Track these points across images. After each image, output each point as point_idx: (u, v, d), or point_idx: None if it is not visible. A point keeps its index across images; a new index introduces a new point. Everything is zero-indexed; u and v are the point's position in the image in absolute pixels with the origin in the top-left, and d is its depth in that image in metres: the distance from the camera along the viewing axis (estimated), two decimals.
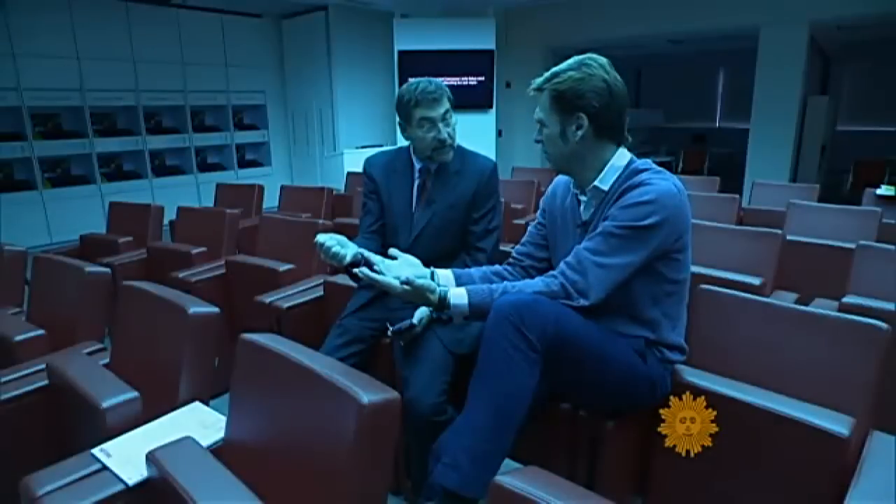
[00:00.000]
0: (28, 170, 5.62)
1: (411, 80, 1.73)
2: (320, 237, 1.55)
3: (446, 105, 1.71)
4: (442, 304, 1.31)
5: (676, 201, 1.26)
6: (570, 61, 1.32)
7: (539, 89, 1.34)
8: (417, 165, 1.81)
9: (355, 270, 1.40)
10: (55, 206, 5.72)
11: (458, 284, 1.42)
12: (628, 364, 1.28)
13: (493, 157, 1.90)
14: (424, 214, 1.78)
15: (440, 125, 1.70)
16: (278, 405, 1.13)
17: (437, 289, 1.32)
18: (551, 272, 1.34)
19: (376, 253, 1.68)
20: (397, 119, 1.78)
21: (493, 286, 1.33)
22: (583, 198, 1.40)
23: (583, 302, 1.25)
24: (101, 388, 1.32)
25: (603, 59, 1.32)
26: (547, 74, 1.33)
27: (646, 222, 1.23)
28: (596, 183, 1.35)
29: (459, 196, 1.77)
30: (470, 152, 1.83)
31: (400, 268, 1.46)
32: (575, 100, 1.28)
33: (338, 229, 1.64)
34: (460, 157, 1.80)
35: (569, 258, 1.30)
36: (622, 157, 1.36)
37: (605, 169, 1.34)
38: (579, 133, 1.31)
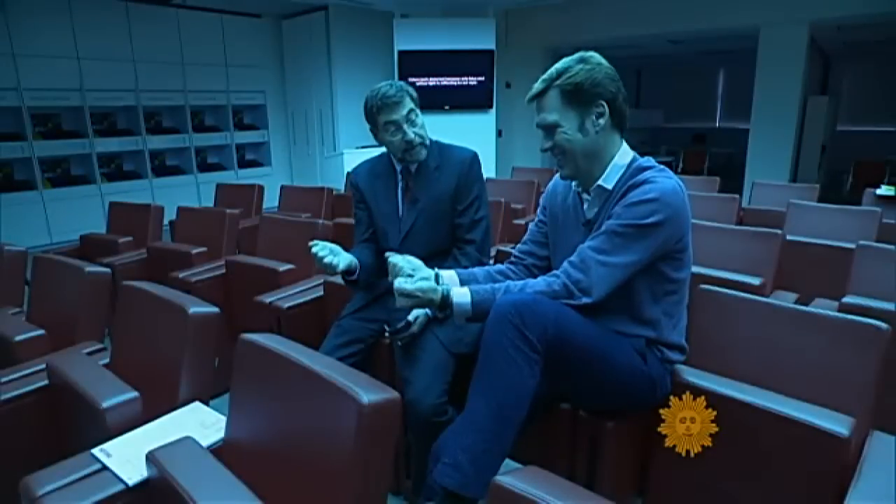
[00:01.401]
0: (28, 170, 5.62)
1: (374, 85, 1.72)
2: (314, 248, 1.59)
3: (409, 105, 1.69)
4: (444, 303, 1.30)
5: (679, 200, 1.26)
6: (569, 59, 1.32)
7: (543, 92, 1.32)
8: (398, 167, 1.80)
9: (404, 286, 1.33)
10: (55, 206, 5.72)
11: (462, 285, 1.41)
12: (629, 364, 1.28)
13: (492, 157, 1.89)
14: (410, 214, 1.78)
15: (405, 127, 1.69)
16: (278, 405, 1.13)
17: (440, 288, 1.32)
18: (554, 272, 1.33)
19: (373, 259, 1.68)
20: (368, 126, 1.77)
21: (496, 286, 1.32)
22: (586, 196, 1.40)
23: (585, 300, 1.25)
24: (101, 388, 1.32)
25: (595, 53, 1.33)
26: (549, 75, 1.32)
27: (649, 220, 1.23)
28: (600, 182, 1.35)
29: (442, 191, 1.76)
30: (448, 146, 1.82)
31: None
32: (593, 88, 1.29)
33: (337, 229, 1.65)
34: (438, 152, 1.79)
35: (572, 257, 1.30)
36: (625, 154, 1.36)
37: (609, 167, 1.34)
38: (601, 122, 1.31)
